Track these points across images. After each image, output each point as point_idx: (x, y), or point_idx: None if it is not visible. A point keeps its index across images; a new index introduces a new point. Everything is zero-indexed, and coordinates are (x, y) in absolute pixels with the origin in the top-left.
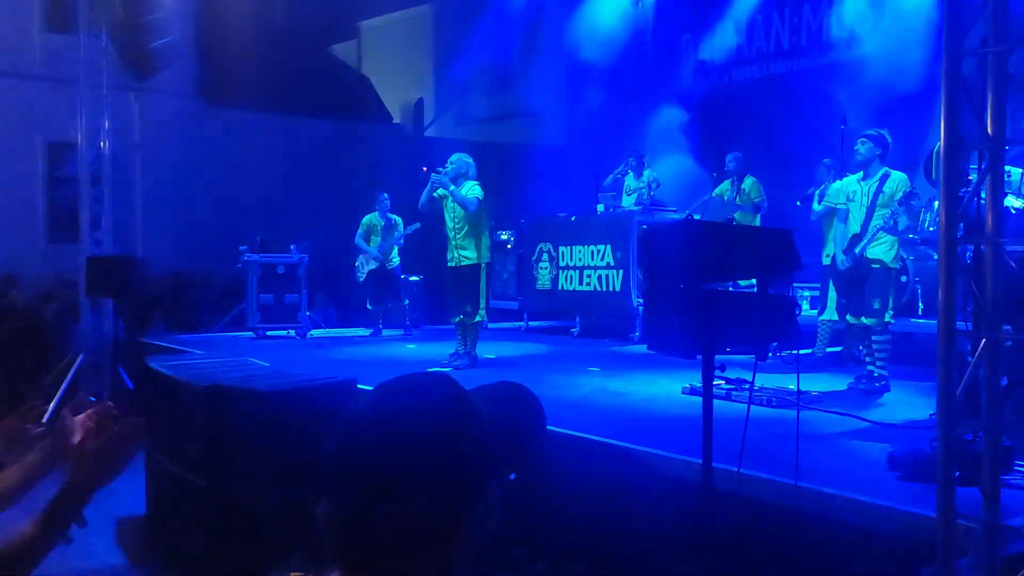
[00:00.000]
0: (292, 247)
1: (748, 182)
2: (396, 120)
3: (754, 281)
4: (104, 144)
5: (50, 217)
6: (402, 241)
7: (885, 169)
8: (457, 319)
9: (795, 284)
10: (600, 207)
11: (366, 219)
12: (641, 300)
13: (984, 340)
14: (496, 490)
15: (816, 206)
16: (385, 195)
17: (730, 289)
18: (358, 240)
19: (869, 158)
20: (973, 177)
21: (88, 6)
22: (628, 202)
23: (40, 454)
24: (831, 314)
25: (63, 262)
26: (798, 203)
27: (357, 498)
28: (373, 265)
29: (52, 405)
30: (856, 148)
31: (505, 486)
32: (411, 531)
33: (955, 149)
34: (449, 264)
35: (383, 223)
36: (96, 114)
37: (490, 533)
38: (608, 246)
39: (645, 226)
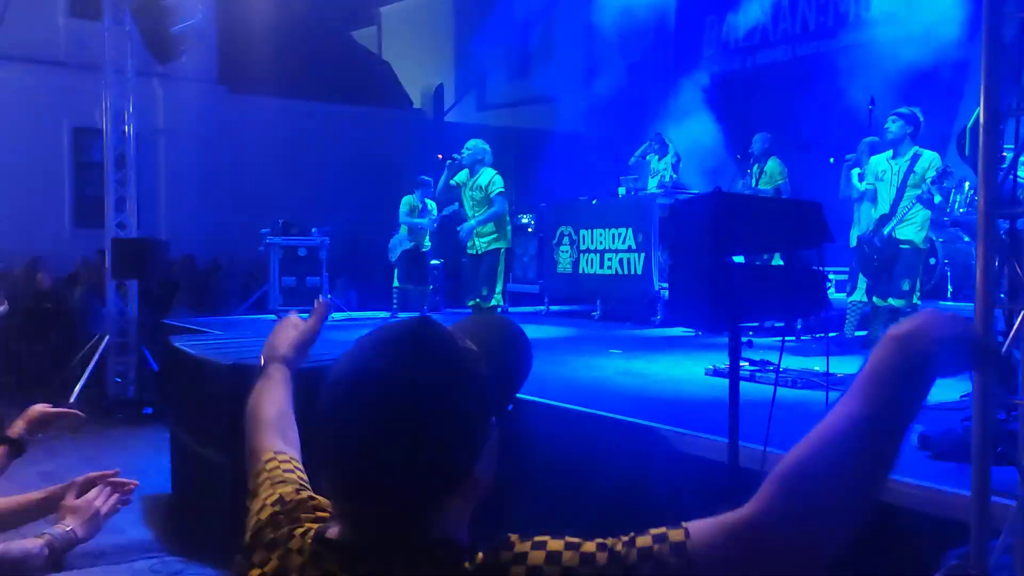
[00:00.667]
0: (314, 230)
1: (771, 163)
2: (416, 105)
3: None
4: (128, 128)
5: (76, 201)
6: (435, 225)
7: (916, 148)
8: (472, 302)
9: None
10: (621, 190)
11: (406, 199)
12: (663, 283)
13: (1022, 315)
14: (495, 428)
15: (859, 184)
16: (428, 178)
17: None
18: (403, 218)
19: (900, 136)
20: (1008, 155)
21: None
22: (652, 184)
23: (40, 500)
24: (860, 295)
25: (89, 246)
26: (831, 160)
27: (360, 459)
28: (408, 245)
29: (78, 386)
30: (887, 126)
31: (502, 422)
32: (420, 485)
33: (994, 117)
34: (469, 251)
35: (421, 206)
36: (120, 99)
37: (492, 472)
38: (629, 229)
39: (669, 205)
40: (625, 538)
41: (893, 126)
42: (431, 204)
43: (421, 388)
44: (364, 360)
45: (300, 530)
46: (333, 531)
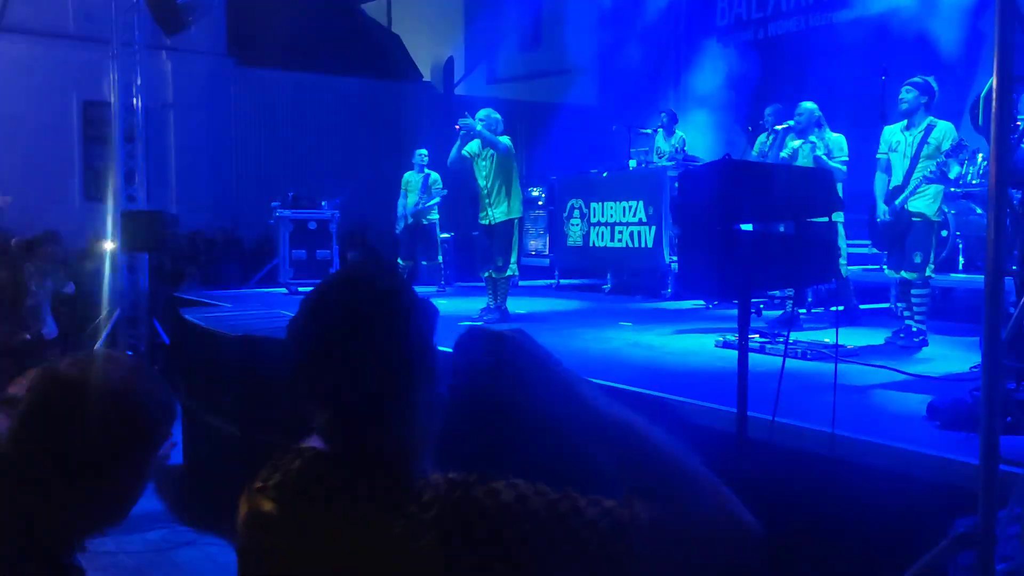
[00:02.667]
0: (324, 203)
1: (830, 135)
2: (426, 78)
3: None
4: (137, 101)
5: (86, 175)
6: (437, 198)
7: (931, 119)
8: (487, 273)
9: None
10: (632, 163)
11: (405, 176)
12: (674, 256)
13: None
14: (436, 372)
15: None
16: (423, 151)
17: (769, 230)
18: (401, 199)
19: (915, 106)
20: (1022, 125)
21: None
22: (662, 161)
23: None
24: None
25: (99, 219)
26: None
27: (314, 366)
28: (410, 220)
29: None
30: (901, 96)
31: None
32: (367, 396)
33: (1008, 83)
34: (482, 222)
35: (420, 178)
36: (128, 72)
37: (437, 428)
38: (640, 202)
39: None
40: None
41: (908, 95)
42: (434, 175)
43: (370, 315)
44: (332, 293)
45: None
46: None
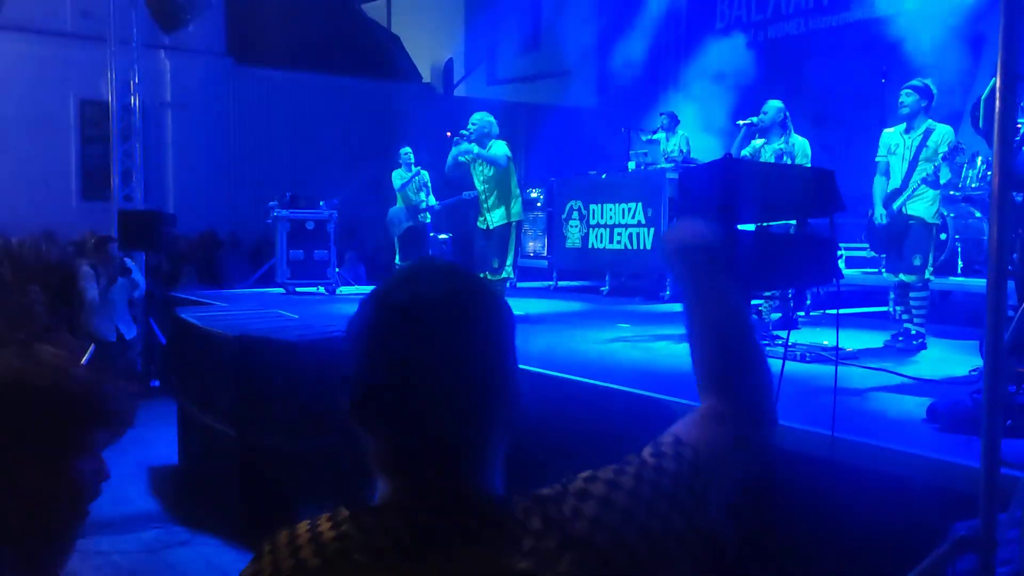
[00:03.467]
0: (322, 203)
1: (795, 138)
2: (426, 80)
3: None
4: (134, 100)
5: (83, 174)
6: (433, 203)
7: (930, 122)
8: (482, 275)
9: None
10: (631, 165)
11: (394, 175)
12: None
13: None
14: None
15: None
16: (407, 149)
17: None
18: (399, 198)
19: (915, 110)
20: (1022, 127)
21: None
22: (662, 163)
23: None
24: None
25: (96, 219)
26: None
27: (422, 381)
28: (409, 223)
29: (85, 359)
30: (901, 100)
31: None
32: (476, 409)
33: (1011, 81)
34: (479, 226)
35: (409, 176)
36: (126, 70)
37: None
38: (639, 204)
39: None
40: (633, 456)
41: (908, 99)
42: (425, 174)
43: (474, 317)
44: (413, 290)
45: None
46: (378, 501)
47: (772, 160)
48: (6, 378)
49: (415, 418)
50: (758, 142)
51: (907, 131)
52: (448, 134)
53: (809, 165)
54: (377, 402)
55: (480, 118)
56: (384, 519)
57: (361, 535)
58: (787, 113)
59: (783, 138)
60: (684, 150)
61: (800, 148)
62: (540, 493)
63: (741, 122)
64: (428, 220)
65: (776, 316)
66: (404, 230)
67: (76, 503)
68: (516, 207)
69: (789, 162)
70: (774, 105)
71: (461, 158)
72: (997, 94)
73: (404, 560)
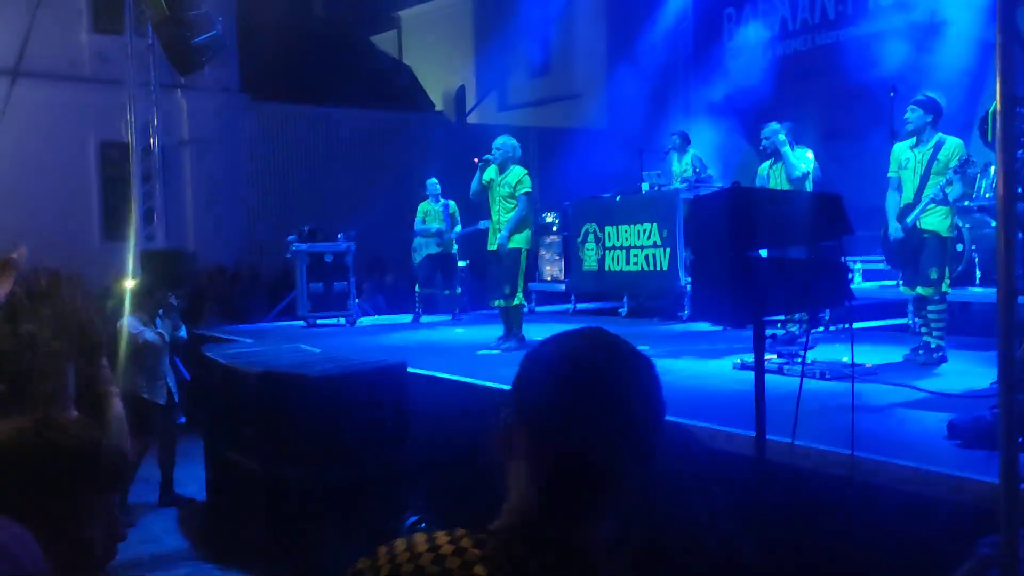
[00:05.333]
0: (340, 236)
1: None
2: (438, 108)
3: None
4: (154, 141)
5: (105, 214)
6: (458, 230)
7: (939, 135)
8: (497, 303)
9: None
10: (645, 186)
11: (421, 207)
12: (689, 278)
13: None
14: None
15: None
16: (433, 180)
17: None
18: (417, 227)
19: (920, 125)
20: None
21: (134, 5)
22: (675, 183)
23: None
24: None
25: (119, 258)
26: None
27: (575, 414)
28: (434, 249)
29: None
30: (906, 116)
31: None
32: (617, 450)
33: (1011, 103)
34: (490, 247)
35: (438, 208)
36: (145, 112)
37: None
38: (654, 224)
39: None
40: None
41: (912, 115)
42: (452, 205)
43: (638, 389)
44: (604, 336)
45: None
46: (495, 525)
47: (783, 178)
48: (24, 446)
49: (564, 461)
50: (764, 167)
51: (916, 145)
52: (476, 160)
53: (808, 169)
54: (549, 418)
55: (504, 142)
56: (505, 542)
57: (480, 551)
58: (782, 132)
59: (784, 154)
60: (698, 169)
61: (800, 157)
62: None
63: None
64: (455, 249)
65: (792, 328)
66: (424, 258)
67: (91, 567)
68: (528, 234)
69: (797, 168)
70: (772, 127)
71: (484, 180)
72: (999, 116)
73: None
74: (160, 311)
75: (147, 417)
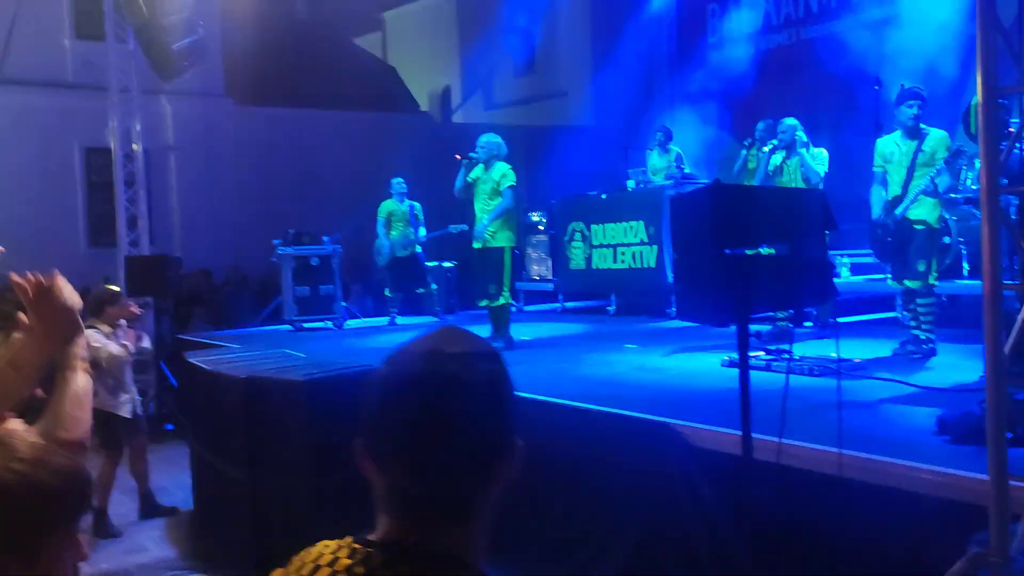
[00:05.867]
0: (325, 239)
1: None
2: (424, 108)
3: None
4: (137, 146)
5: (90, 221)
6: (423, 237)
7: (923, 127)
8: (483, 303)
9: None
10: (631, 183)
11: (383, 206)
12: (674, 282)
13: None
14: (519, 445)
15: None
16: (399, 179)
17: (762, 252)
18: (379, 229)
19: (921, 118)
20: (1013, 129)
21: (115, 11)
22: (658, 178)
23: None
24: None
25: (104, 265)
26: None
27: (410, 451)
28: (400, 252)
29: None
30: (910, 113)
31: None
32: (457, 480)
33: (993, 95)
34: (475, 246)
35: (404, 208)
36: (128, 117)
37: (513, 483)
38: (641, 222)
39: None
40: None
41: (913, 110)
42: (417, 207)
43: (485, 377)
44: (435, 344)
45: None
46: (374, 535)
47: (799, 175)
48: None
49: (417, 463)
50: (777, 157)
51: (902, 138)
52: (458, 156)
53: (824, 170)
54: (388, 442)
55: (488, 140)
56: (376, 554)
57: (351, 561)
58: (801, 130)
59: (799, 153)
60: (676, 164)
61: (819, 158)
62: None
63: (766, 148)
64: (419, 251)
65: (782, 324)
66: (390, 261)
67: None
68: (512, 232)
69: (811, 162)
70: (789, 123)
71: (468, 178)
72: (981, 107)
73: None
74: (123, 321)
75: (113, 431)
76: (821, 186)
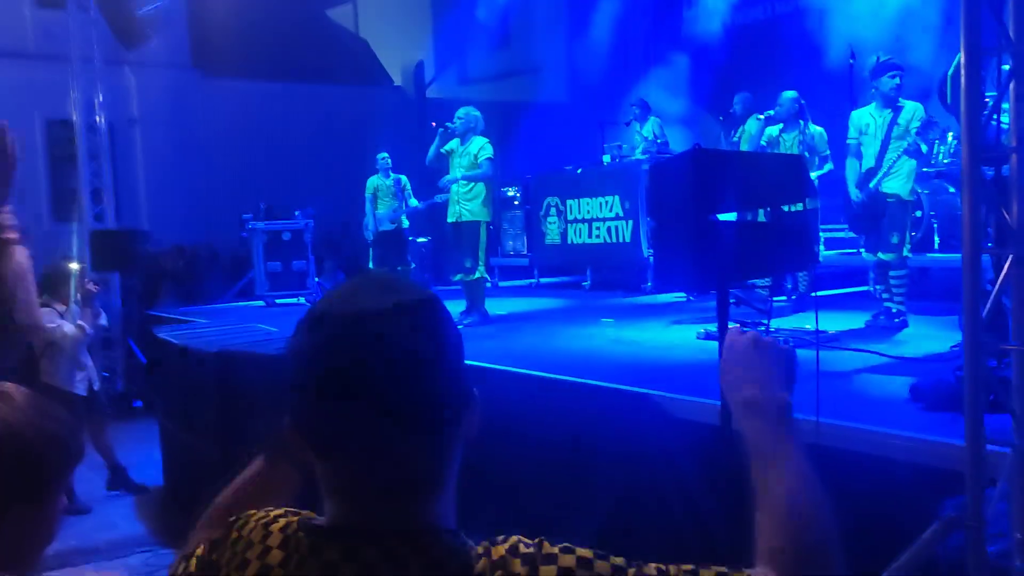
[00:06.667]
0: (297, 213)
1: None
2: (397, 83)
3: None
4: (100, 118)
5: (54, 195)
6: (415, 204)
7: (900, 100)
8: (458, 277)
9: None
10: (606, 158)
11: (369, 182)
12: (652, 250)
13: (1011, 258)
14: (475, 394)
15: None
16: (384, 154)
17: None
18: (367, 206)
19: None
20: (989, 102)
21: None
22: (638, 151)
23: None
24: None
25: (69, 240)
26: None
27: (353, 434)
28: (387, 226)
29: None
30: (893, 84)
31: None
32: (415, 453)
33: (976, 56)
34: (449, 220)
35: (389, 183)
36: (89, 89)
37: (471, 442)
38: (616, 197)
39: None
40: (687, 567)
41: (894, 82)
42: (404, 180)
43: (420, 329)
44: (356, 302)
45: (262, 522)
46: (322, 520)
47: (796, 150)
48: (2, 428)
49: (359, 440)
50: (773, 129)
51: (877, 109)
52: (433, 124)
53: (827, 153)
54: (319, 422)
55: (466, 113)
56: (329, 543)
57: (303, 554)
58: (803, 102)
59: (798, 128)
60: (657, 134)
61: (820, 138)
62: (515, 547)
63: (760, 116)
64: (406, 225)
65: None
66: (376, 235)
67: (48, 542)
68: (488, 206)
69: (806, 152)
70: (788, 96)
71: (443, 149)
72: (962, 71)
73: None
74: (78, 297)
75: (70, 410)
76: (830, 165)
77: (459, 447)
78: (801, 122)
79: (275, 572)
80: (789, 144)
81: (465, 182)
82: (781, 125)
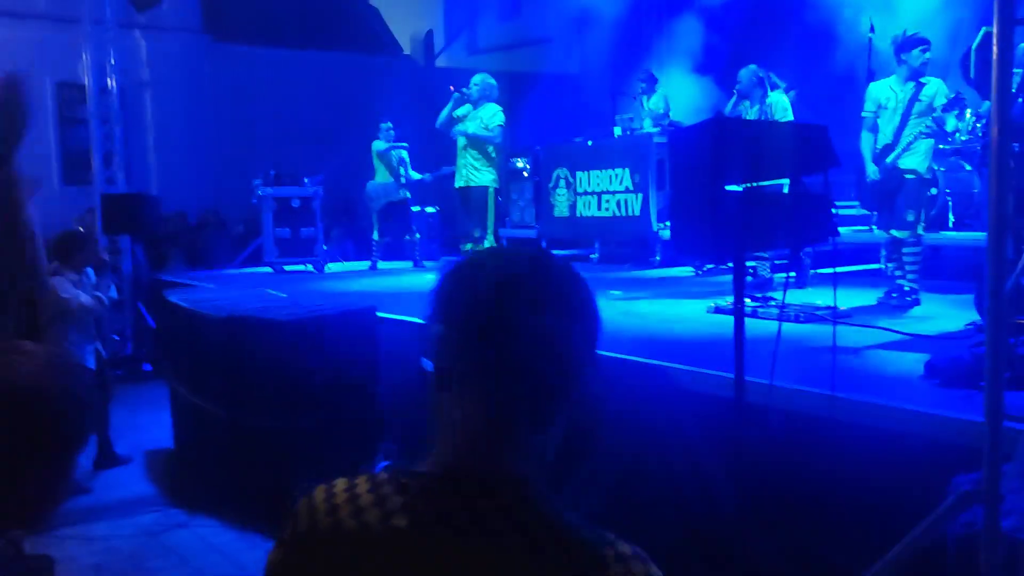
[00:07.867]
0: (306, 180)
1: (772, 97)
2: (406, 52)
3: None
4: (111, 81)
5: (64, 158)
6: (415, 176)
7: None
8: (467, 246)
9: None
10: (617, 130)
11: (374, 145)
12: (661, 224)
13: None
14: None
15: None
16: (388, 123)
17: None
18: (375, 162)
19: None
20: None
21: None
22: (647, 123)
23: None
24: None
25: (79, 203)
26: None
27: (506, 352)
28: (395, 196)
29: None
30: (923, 59)
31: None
32: (547, 389)
33: (1009, 27)
34: (457, 185)
35: (390, 152)
36: (101, 51)
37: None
38: (626, 170)
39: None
40: None
41: (925, 55)
42: (404, 152)
43: (565, 297)
44: (509, 267)
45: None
46: (424, 467)
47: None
48: (19, 382)
49: (490, 387)
50: (744, 105)
51: (899, 84)
52: (451, 87)
53: (790, 119)
54: (462, 354)
55: (483, 80)
56: (429, 486)
57: (402, 499)
58: (762, 74)
59: (759, 97)
60: (665, 107)
61: (779, 105)
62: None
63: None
64: (408, 196)
65: (763, 273)
66: (383, 206)
67: (63, 500)
68: (496, 173)
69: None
70: (748, 70)
71: (455, 113)
72: (994, 40)
73: (445, 530)
74: (92, 267)
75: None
76: None
77: (566, 416)
78: (758, 91)
79: (396, 520)
80: (749, 115)
81: (474, 150)
82: (746, 102)
